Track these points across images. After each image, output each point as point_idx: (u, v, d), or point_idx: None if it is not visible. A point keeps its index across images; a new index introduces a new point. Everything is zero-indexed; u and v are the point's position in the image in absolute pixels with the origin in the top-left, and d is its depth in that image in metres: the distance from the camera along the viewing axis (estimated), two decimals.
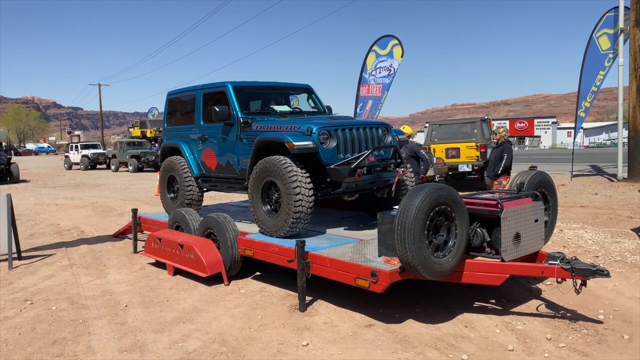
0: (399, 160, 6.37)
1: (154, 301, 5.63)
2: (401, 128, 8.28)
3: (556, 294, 5.38)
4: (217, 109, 6.54)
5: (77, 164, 34.29)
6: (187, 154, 7.54)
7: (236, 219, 6.91)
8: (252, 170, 6.14)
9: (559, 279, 4.61)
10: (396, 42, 17.29)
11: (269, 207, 6.08)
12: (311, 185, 5.71)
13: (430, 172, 12.82)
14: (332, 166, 5.77)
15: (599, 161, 25.69)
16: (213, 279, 6.13)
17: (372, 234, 5.86)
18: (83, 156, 33.52)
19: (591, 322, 4.65)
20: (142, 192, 17.69)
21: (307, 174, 5.72)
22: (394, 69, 17.19)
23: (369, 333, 4.55)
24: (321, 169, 5.88)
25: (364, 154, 5.89)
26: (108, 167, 32.71)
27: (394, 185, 6.23)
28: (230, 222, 6.35)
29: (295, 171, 5.63)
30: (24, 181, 23.85)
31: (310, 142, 5.69)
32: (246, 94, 6.97)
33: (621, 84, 16.12)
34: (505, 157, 9.02)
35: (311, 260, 5.11)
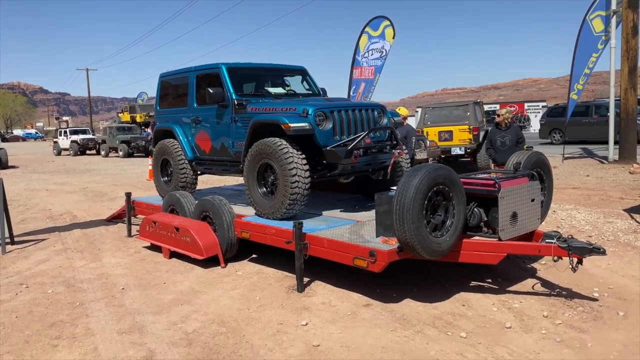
0: (394, 142, 6.35)
1: (151, 284, 5.62)
2: (397, 110, 8.22)
3: (551, 273, 5.44)
4: (211, 91, 6.47)
5: (66, 149, 33.92)
6: (180, 137, 7.47)
7: (231, 202, 6.88)
8: (247, 153, 6.11)
9: (555, 258, 4.65)
10: (388, 23, 17.14)
11: (264, 189, 6.05)
12: (307, 167, 5.69)
13: (423, 155, 12.84)
14: (328, 148, 5.74)
15: (589, 144, 25.78)
16: (209, 262, 6.12)
17: (368, 216, 5.87)
18: (72, 142, 33.16)
19: (586, 300, 4.70)
20: (134, 177, 17.58)
21: (303, 156, 5.69)
22: (385, 50, 17.07)
23: (368, 312, 4.57)
24: (317, 151, 5.86)
25: (360, 136, 5.86)
26: (98, 153, 32.42)
27: (389, 167, 6.22)
28: (226, 205, 6.33)
29: (292, 153, 5.60)
30: (13, 167, 23.60)
31: (307, 124, 5.66)
32: (240, 75, 6.89)
33: (613, 66, 16.14)
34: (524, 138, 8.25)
35: (309, 241, 5.11)
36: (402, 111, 8.66)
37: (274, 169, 5.80)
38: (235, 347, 3.99)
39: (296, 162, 5.59)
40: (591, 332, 4.06)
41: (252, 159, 6.02)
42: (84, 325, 4.51)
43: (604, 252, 4.44)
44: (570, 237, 4.72)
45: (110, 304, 5.02)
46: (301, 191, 5.64)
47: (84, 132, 36.20)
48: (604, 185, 11.50)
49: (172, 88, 7.87)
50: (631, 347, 3.80)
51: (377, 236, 4.96)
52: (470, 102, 15.94)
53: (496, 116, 8.39)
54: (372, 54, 17.09)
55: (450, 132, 15.03)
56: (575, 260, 4.53)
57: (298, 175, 5.58)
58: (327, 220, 5.88)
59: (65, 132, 35.16)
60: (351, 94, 16.79)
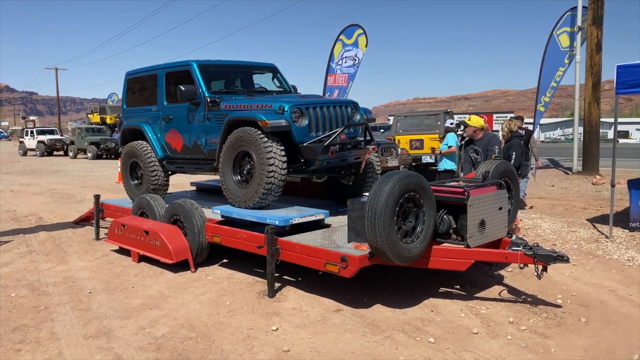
0: (368, 138, 6.44)
1: (119, 288, 5.53)
2: (469, 119, 7.11)
3: (517, 280, 5.57)
4: (183, 88, 6.43)
5: (32, 150, 33.10)
6: (150, 136, 7.37)
7: (203, 207, 6.82)
8: (221, 150, 6.11)
9: (522, 265, 4.77)
10: (361, 31, 17.38)
11: (239, 177, 6.08)
12: (285, 159, 5.74)
13: (395, 163, 13.00)
14: (305, 144, 5.78)
15: (554, 155, 26.55)
16: (179, 266, 6.06)
17: (340, 221, 5.91)
18: (39, 142, 32.36)
19: (550, 306, 4.83)
20: (103, 179, 17.25)
21: (282, 147, 5.75)
22: (358, 58, 17.28)
23: (338, 317, 4.60)
24: (293, 147, 5.88)
25: (336, 132, 5.92)
26: (65, 154, 31.70)
27: (363, 163, 6.31)
28: (198, 209, 6.28)
29: (271, 142, 5.65)
30: None
31: (283, 120, 5.69)
32: (211, 72, 6.89)
33: (578, 80, 16.69)
34: (514, 156, 7.48)
35: (281, 246, 5.11)
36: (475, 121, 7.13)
37: (251, 157, 5.81)
38: (204, 352, 3.96)
39: (274, 152, 5.65)
40: (555, 337, 4.17)
41: (229, 147, 6.01)
42: (49, 329, 4.40)
43: (567, 260, 4.58)
44: (535, 245, 4.84)
45: (77, 308, 4.91)
46: (276, 181, 5.67)
47: (51, 132, 35.34)
48: (568, 196, 11.85)
49: (139, 86, 7.76)
50: (592, 352, 3.92)
51: (348, 242, 5.00)
52: (441, 111, 16.23)
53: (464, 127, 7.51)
54: (346, 62, 17.26)
55: (421, 140, 15.26)
56: (540, 267, 4.66)
57: (275, 165, 5.62)
58: (299, 210, 5.95)
59: (31, 132, 34.28)
60: None
